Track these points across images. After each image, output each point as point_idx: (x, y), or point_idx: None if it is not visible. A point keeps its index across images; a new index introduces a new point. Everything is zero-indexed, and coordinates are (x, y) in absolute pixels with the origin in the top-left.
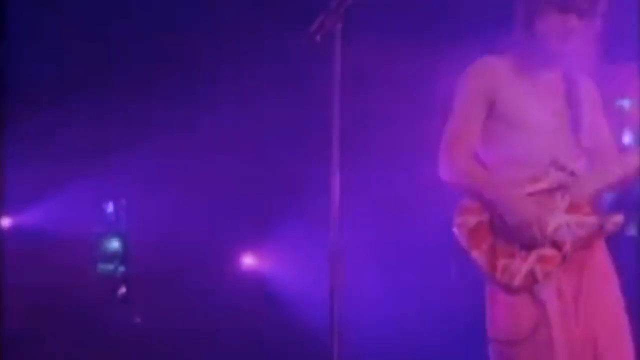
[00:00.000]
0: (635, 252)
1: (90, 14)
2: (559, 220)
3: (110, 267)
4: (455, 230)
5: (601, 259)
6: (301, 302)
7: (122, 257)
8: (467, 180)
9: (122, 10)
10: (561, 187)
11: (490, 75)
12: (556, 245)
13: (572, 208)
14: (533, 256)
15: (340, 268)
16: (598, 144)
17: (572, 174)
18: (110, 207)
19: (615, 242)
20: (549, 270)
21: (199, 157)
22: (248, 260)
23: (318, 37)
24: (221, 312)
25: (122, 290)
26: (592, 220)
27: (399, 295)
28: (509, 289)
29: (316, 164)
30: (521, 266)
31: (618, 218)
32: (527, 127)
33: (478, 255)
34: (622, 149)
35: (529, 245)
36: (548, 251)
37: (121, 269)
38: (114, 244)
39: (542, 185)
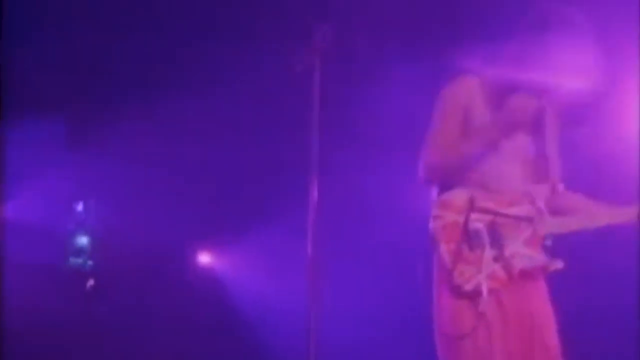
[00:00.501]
0: None
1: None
2: (516, 249)
3: (79, 260)
4: (430, 221)
5: (541, 286)
6: (255, 296)
7: (90, 252)
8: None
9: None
10: (527, 220)
11: (466, 94)
12: (507, 268)
13: (529, 241)
14: (485, 271)
15: (318, 274)
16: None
17: (540, 210)
18: (80, 206)
19: None
20: (494, 287)
21: (171, 162)
22: (205, 258)
23: (298, 68)
24: (181, 303)
25: (91, 282)
26: (541, 258)
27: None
28: (458, 292)
29: (287, 172)
30: (475, 276)
31: (559, 264)
32: (498, 152)
33: (445, 250)
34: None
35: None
36: (499, 271)
37: (90, 262)
38: (83, 240)
39: (514, 211)
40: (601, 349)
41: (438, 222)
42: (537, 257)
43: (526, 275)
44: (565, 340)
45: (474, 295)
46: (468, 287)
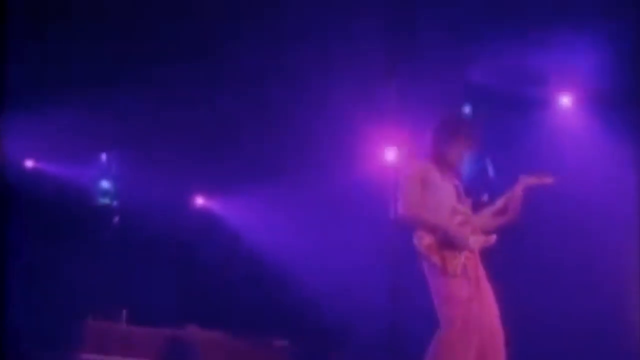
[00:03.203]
0: None
1: None
2: (470, 239)
3: (107, 200)
4: (415, 241)
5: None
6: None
7: (115, 194)
8: (424, 221)
9: None
10: (465, 222)
11: (425, 166)
12: (472, 251)
13: (473, 231)
14: (463, 256)
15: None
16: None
17: (467, 215)
18: (104, 156)
19: None
20: (471, 264)
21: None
22: (200, 200)
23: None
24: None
25: (116, 218)
26: (482, 238)
27: None
28: (454, 276)
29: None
30: (459, 263)
31: (493, 238)
32: (440, 194)
33: (437, 260)
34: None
35: (460, 248)
36: (469, 254)
37: (115, 202)
38: (108, 184)
39: (455, 221)
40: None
41: (421, 242)
42: (480, 239)
43: (481, 253)
44: None
45: (462, 273)
46: (458, 270)
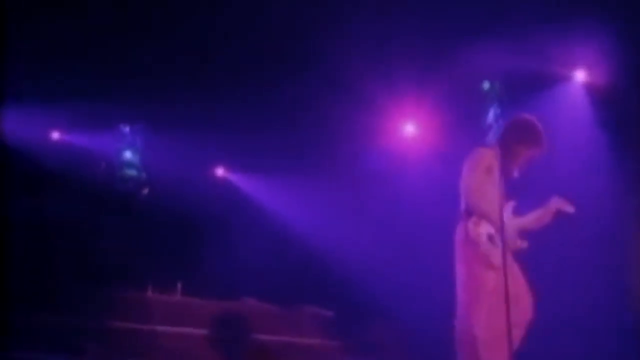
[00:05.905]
0: None
1: None
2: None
3: (133, 172)
4: (470, 225)
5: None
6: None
7: (141, 166)
8: (481, 210)
9: None
10: (510, 220)
11: (486, 156)
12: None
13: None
14: (503, 252)
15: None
16: None
17: (508, 217)
18: (127, 128)
19: None
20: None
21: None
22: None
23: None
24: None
25: (146, 190)
26: (519, 241)
27: None
28: (492, 268)
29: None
30: (499, 256)
31: (526, 243)
32: (496, 187)
33: (485, 249)
34: None
35: (506, 245)
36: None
37: (143, 174)
38: (133, 156)
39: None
40: None
41: (478, 228)
42: (517, 240)
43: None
44: None
45: (498, 267)
46: (498, 263)
